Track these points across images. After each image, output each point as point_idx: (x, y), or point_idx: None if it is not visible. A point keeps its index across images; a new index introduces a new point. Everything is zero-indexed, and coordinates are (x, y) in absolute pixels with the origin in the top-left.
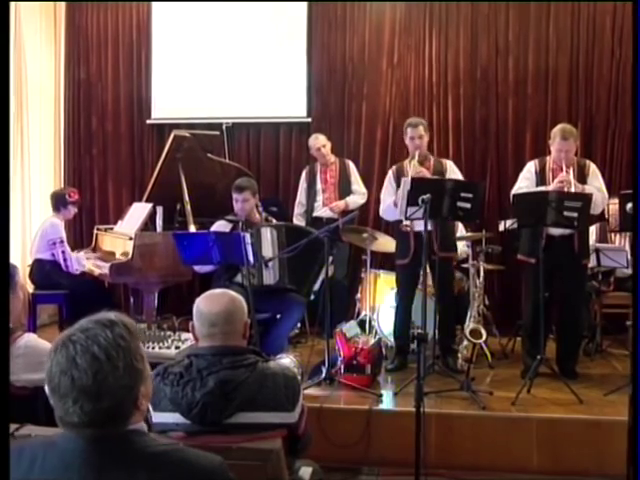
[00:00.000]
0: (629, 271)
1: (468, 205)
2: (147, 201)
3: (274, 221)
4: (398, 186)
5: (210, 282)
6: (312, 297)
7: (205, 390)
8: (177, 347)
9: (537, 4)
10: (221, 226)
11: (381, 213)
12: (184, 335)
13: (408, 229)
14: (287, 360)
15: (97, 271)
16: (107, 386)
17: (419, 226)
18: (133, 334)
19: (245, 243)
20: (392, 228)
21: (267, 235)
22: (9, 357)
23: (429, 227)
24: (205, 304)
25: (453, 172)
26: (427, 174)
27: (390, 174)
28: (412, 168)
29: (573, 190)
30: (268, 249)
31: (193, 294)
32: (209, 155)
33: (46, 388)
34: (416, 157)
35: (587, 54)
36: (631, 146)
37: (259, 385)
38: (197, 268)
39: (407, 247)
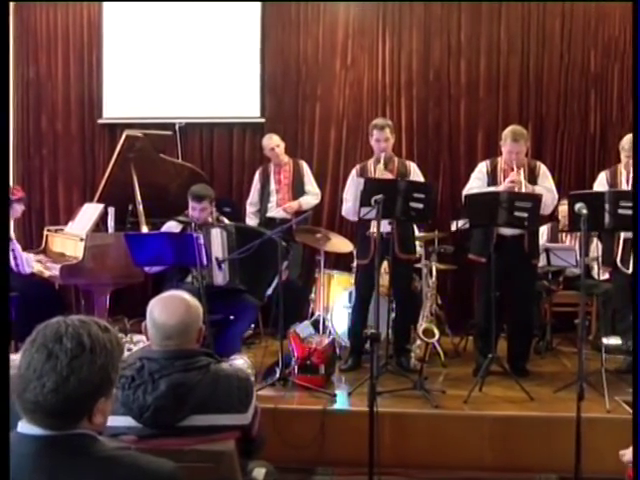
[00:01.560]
0: (578, 270)
1: (421, 205)
2: (98, 202)
3: (225, 221)
4: None
5: (162, 283)
6: (265, 299)
7: (157, 393)
8: (129, 349)
9: (488, 6)
10: (171, 227)
11: (344, 213)
12: (136, 337)
13: (374, 235)
14: (240, 361)
15: (47, 273)
16: (78, 374)
17: (380, 227)
18: (120, 348)
19: (198, 244)
20: (351, 227)
21: (217, 235)
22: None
23: (389, 229)
24: (160, 313)
25: (416, 175)
26: (390, 175)
27: (353, 173)
28: (378, 171)
29: (524, 190)
30: (218, 249)
31: (145, 296)
32: (162, 155)
33: (16, 364)
34: (382, 160)
35: (537, 57)
36: (580, 148)
37: (212, 387)
38: (147, 268)
39: (368, 247)
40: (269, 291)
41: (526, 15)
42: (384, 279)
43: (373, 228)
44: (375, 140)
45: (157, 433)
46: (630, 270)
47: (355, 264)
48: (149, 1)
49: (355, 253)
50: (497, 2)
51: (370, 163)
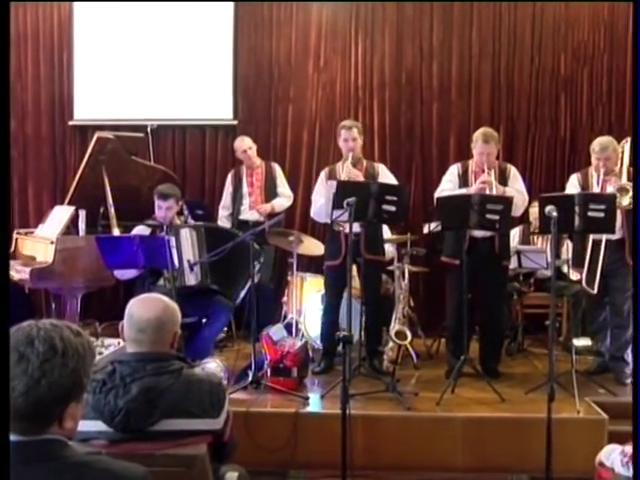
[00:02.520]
0: (549, 272)
1: (393, 208)
2: (69, 204)
3: (192, 222)
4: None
5: (133, 287)
6: (237, 302)
7: (128, 397)
8: (100, 353)
9: (460, 10)
10: (140, 231)
11: (312, 214)
12: (107, 341)
13: (341, 229)
14: (213, 365)
15: (17, 276)
16: (49, 378)
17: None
18: (92, 352)
19: (170, 246)
20: (324, 229)
21: (187, 236)
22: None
23: (357, 229)
24: (137, 308)
25: (385, 176)
26: (361, 177)
27: (322, 175)
28: (345, 170)
29: (494, 191)
30: (188, 250)
31: (117, 299)
32: (133, 157)
33: None
34: (349, 159)
35: (508, 61)
36: (550, 151)
37: (184, 392)
38: (118, 275)
39: (338, 249)
40: (241, 294)
41: (497, 19)
42: (355, 281)
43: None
44: (343, 140)
45: (128, 437)
46: (595, 290)
47: (325, 266)
48: (121, 1)
49: (324, 254)
50: (469, 1)
51: (339, 165)
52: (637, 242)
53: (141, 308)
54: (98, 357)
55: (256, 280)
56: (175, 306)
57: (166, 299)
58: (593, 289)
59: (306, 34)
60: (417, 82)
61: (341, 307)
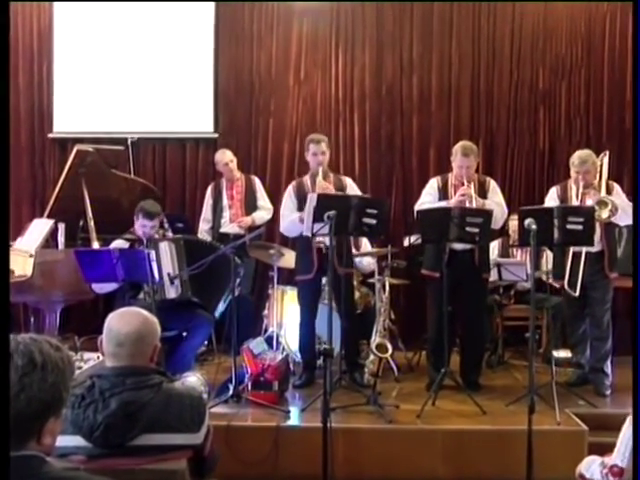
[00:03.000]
0: (528, 285)
1: (373, 221)
2: (48, 217)
3: (170, 235)
4: (298, 202)
5: (113, 300)
6: (218, 314)
7: (107, 412)
8: (79, 368)
9: (440, 23)
10: (119, 245)
11: (282, 229)
12: (87, 355)
13: (321, 245)
14: (194, 378)
15: None
16: (29, 392)
17: (326, 242)
18: (71, 367)
19: (150, 260)
20: (294, 244)
21: (166, 249)
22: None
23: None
24: (116, 322)
25: (352, 190)
26: (332, 190)
27: (290, 189)
28: (317, 184)
29: (474, 204)
30: (168, 264)
31: (96, 313)
32: (113, 170)
33: None
34: (320, 173)
35: (487, 74)
36: (529, 163)
37: (164, 406)
38: (97, 289)
39: (311, 263)
40: (221, 307)
41: (476, 33)
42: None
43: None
44: (312, 154)
45: (107, 453)
46: (577, 293)
47: (296, 280)
48: (101, 14)
49: (296, 269)
50: (452, 0)
51: (306, 179)
52: (637, 243)
53: (120, 322)
54: (77, 371)
55: (236, 293)
56: (154, 319)
57: (145, 312)
58: (575, 291)
59: (287, 47)
60: (397, 94)
61: (318, 320)
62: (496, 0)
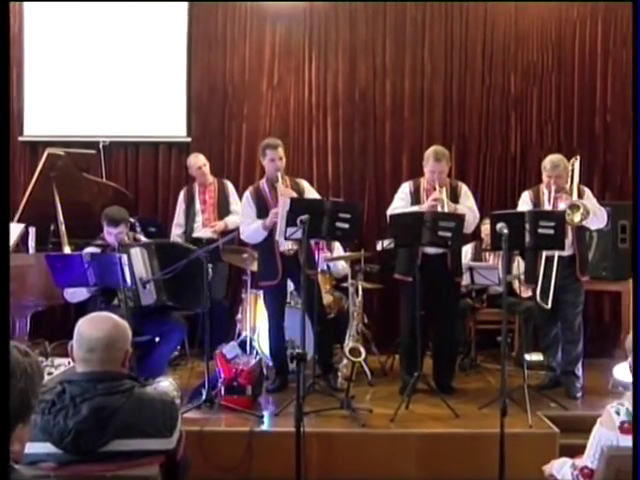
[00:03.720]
0: (501, 288)
1: (346, 225)
2: (19, 221)
3: (142, 239)
4: (257, 208)
5: (86, 306)
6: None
7: (78, 418)
8: (49, 373)
9: (413, 30)
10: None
11: (243, 237)
12: (57, 360)
13: (291, 252)
14: (166, 383)
15: None
16: None
17: (283, 246)
18: (40, 373)
19: (122, 264)
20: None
21: (137, 255)
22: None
23: (295, 247)
24: (86, 327)
25: (310, 192)
26: (294, 194)
27: (247, 196)
28: (279, 190)
29: (446, 209)
30: (141, 269)
31: (67, 318)
32: (85, 174)
33: None
34: (280, 179)
35: (460, 80)
36: (501, 168)
37: (135, 411)
38: (68, 297)
39: (275, 268)
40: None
41: (449, 39)
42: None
43: (286, 246)
44: (269, 160)
45: (78, 459)
46: (549, 305)
47: (261, 286)
48: (73, 16)
49: (259, 275)
50: None
51: (263, 185)
52: (637, 244)
53: (90, 327)
54: (48, 377)
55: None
56: (125, 324)
57: (115, 317)
58: (547, 304)
59: (260, 52)
60: (370, 100)
61: (291, 324)
62: (468, 0)
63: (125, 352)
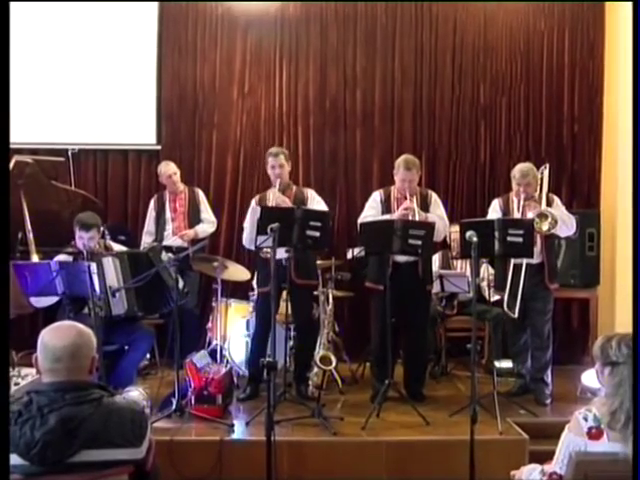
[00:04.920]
0: (470, 295)
1: (317, 233)
2: None
3: (115, 248)
4: None
5: (54, 315)
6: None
7: (45, 428)
8: (16, 384)
9: (383, 39)
10: (61, 260)
11: (243, 241)
12: (24, 370)
13: (268, 255)
14: (136, 393)
15: None
16: None
17: (279, 254)
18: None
19: (91, 273)
20: (249, 255)
21: (109, 264)
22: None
23: (286, 255)
24: (50, 337)
25: (314, 201)
26: (288, 203)
27: (253, 203)
28: (273, 195)
29: (417, 217)
30: (113, 278)
31: (35, 327)
32: (53, 182)
33: None
34: (277, 186)
35: (430, 89)
36: (471, 177)
37: (104, 421)
38: (34, 301)
39: (268, 275)
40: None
41: (419, 48)
42: (282, 307)
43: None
44: (270, 167)
45: (45, 470)
46: (516, 314)
47: (255, 292)
48: (40, 20)
49: (255, 281)
50: (393, 1)
51: (269, 192)
52: (637, 246)
53: (54, 337)
54: (14, 388)
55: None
56: (89, 331)
57: (79, 325)
58: (514, 313)
59: (230, 59)
60: (341, 108)
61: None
62: (438, 0)
63: (91, 359)
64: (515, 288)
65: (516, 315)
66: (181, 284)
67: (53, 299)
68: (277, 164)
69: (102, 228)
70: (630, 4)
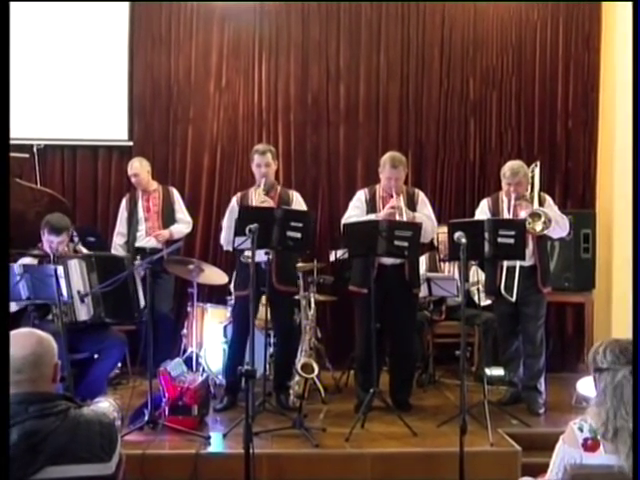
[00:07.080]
0: (459, 299)
1: (298, 235)
2: None
3: (84, 251)
4: None
5: (18, 322)
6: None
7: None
8: None
9: (368, 32)
10: (26, 263)
11: (221, 241)
12: None
13: (249, 260)
14: (106, 404)
15: None
16: None
17: (259, 257)
18: None
19: (58, 277)
20: (226, 257)
21: (76, 267)
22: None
23: (265, 258)
24: (10, 347)
25: (299, 204)
26: (272, 204)
27: (233, 202)
28: (256, 197)
29: (404, 217)
30: (78, 282)
31: None
32: (17, 180)
33: None
34: (262, 185)
35: (417, 84)
36: (460, 175)
37: (71, 434)
38: None
39: (247, 278)
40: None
41: (405, 42)
42: (260, 312)
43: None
44: (256, 165)
45: None
46: (514, 298)
47: (233, 296)
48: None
49: (233, 284)
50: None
51: (251, 191)
52: (637, 246)
53: (14, 347)
54: None
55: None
56: (49, 337)
57: (37, 331)
58: (512, 296)
59: (207, 53)
60: (323, 104)
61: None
62: (425, 0)
63: (54, 367)
64: (510, 291)
65: (514, 299)
66: (142, 301)
67: (15, 307)
68: (263, 162)
69: (71, 230)
70: None
